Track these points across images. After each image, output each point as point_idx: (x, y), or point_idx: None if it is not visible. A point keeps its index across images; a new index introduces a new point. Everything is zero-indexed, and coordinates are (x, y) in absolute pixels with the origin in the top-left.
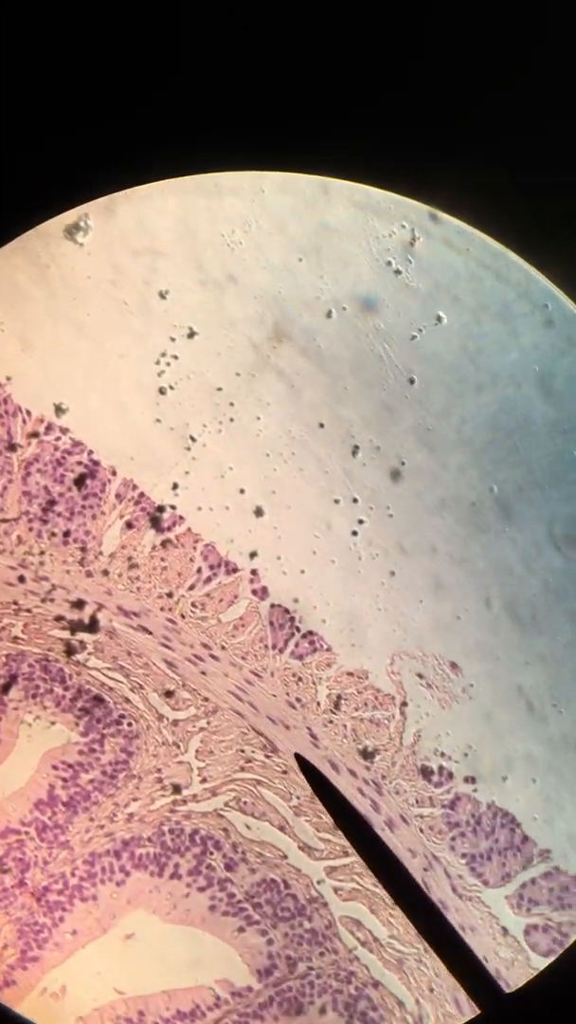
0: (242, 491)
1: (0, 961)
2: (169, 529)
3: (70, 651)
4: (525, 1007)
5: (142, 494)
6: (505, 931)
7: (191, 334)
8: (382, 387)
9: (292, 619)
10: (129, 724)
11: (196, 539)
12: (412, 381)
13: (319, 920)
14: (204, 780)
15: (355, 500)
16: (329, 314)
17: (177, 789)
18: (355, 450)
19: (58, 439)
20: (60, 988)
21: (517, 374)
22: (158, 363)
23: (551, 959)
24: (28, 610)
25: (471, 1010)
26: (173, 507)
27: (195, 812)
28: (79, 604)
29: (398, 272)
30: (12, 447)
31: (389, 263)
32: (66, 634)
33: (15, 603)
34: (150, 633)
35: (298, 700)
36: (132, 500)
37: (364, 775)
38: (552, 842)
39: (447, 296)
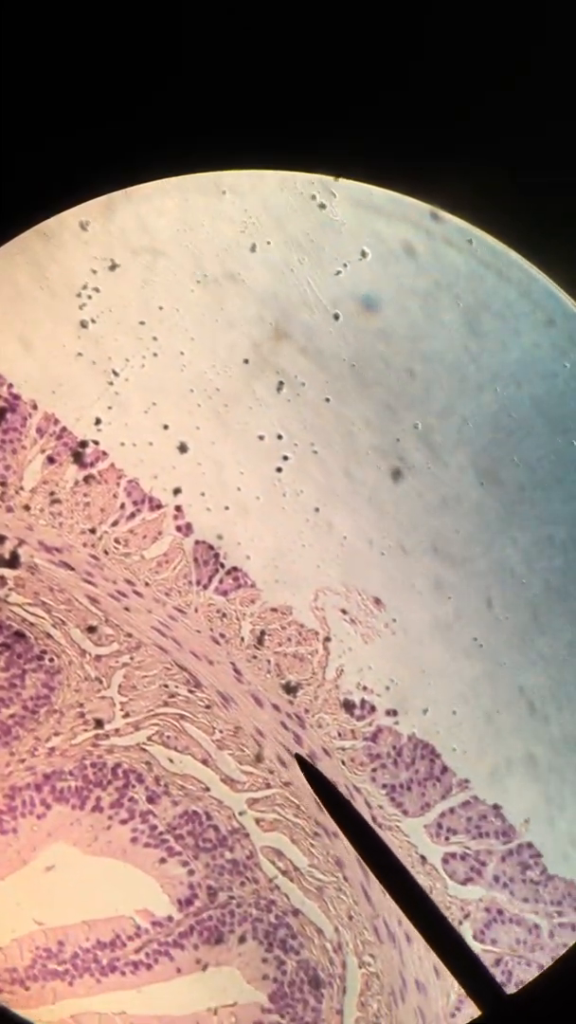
0: (166, 427)
1: None
2: (92, 464)
3: None
4: (525, 1007)
5: (64, 429)
6: (423, 859)
7: (112, 266)
8: (383, 386)
9: (216, 555)
10: (51, 660)
11: (119, 475)
12: (412, 380)
13: (240, 851)
14: (127, 715)
15: (279, 437)
16: (328, 313)
17: (100, 724)
18: (280, 386)
19: None
20: None
21: (518, 373)
22: (79, 296)
23: (469, 887)
24: None
25: (388, 936)
26: (96, 442)
27: (118, 746)
28: None
29: (323, 206)
30: None
31: (314, 196)
32: None
33: None
34: (72, 569)
35: (222, 636)
36: (54, 435)
37: (287, 709)
38: (489, 792)
39: (448, 295)
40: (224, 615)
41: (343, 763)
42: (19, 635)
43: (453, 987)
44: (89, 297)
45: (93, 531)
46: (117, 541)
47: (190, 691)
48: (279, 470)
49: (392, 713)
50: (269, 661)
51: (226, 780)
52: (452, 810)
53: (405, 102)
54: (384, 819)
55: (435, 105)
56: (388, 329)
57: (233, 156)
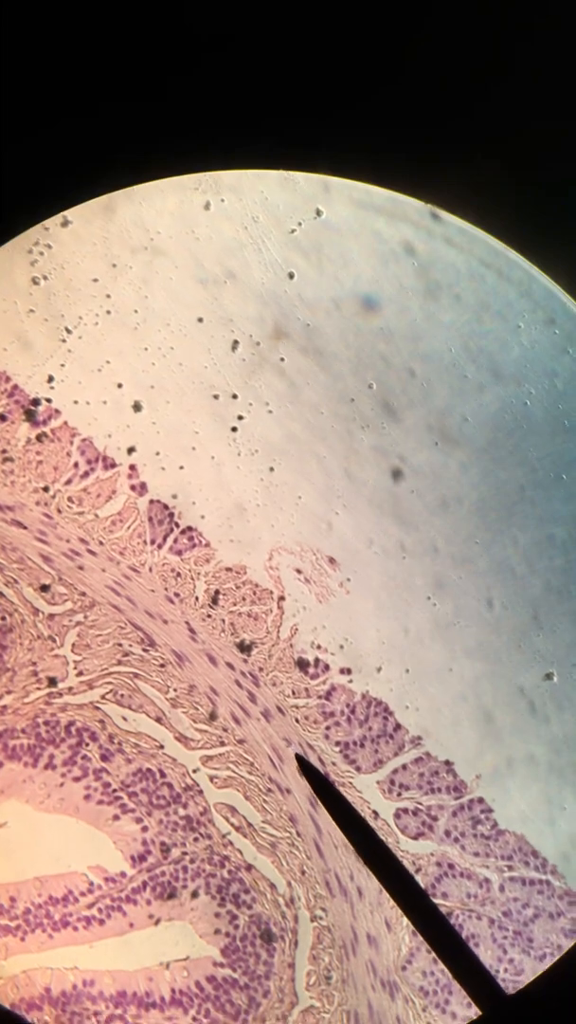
0: (120, 385)
1: None
2: (44, 423)
3: None
4: (526, 1008)
5: (15, 386)
6: (376, 814)
7: (64, 223)
8: (383, 386)
9: (171, 515)
10: (3, 618)
11: (72, 433)
12: (413, 380)
13: (194, 807)
14: (80, 673)
15: (234, 396)
16: (329, 313)
17: (52, 682)
18: (235, 345)
19: None
20: None
21: (518, 373)
22: (30, 252)
23: (420, 841)
24: None
25: (340, 891)
26: (48, 400)
27: (71, 704)
28: None
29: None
30: None
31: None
32: None
33: None
34: (25, 528)
35: (176, 595)
36: (5, 392)
37: (241, 667)
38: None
39: (448, 295)
40: (178, 574)
41: (297, 721)
42: None
43: (404, 940)
44: (41, 253)
45: (46, 489)
46: (70, 500)
47: (144, 650)
48: (234, 429)
49: (346, 672)
50: (223, 620)
51: (180, 738)
52: (404, 766)
53: (405, 101)
54: (338, 776)
55: (435, 104)
56: (388, 329)
57: (233, 156)
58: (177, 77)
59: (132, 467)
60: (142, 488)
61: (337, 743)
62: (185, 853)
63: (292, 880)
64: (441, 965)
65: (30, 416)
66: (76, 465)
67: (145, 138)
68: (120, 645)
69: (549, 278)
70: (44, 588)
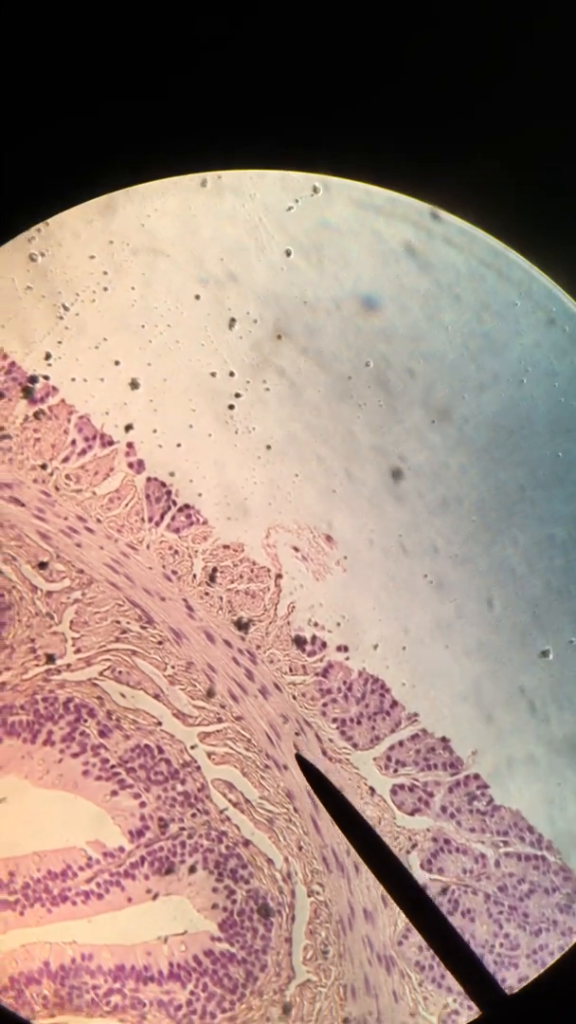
0: (117, 363)
1: None
2: (42, 400)
3: None
4: (525, 1008)
5: (13, 363)
6: (372, 791)
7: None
8: (383, 386)
9: (168, 492)
10: (1, 595)
11: (70, 411)
12: (413, 380)
13: (192, 783)
14: (78, 650)
15: (232, 374)
16: (329, 313)
17: (51, 659)
18: (231, 322)
19: None
20: None
21: (519, 373)
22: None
23: (416, 817)
24: None
25: (337, 866)
26: (46, 377)
27: (69, 681)
28: None
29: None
30: None
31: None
32: None
33: None
34: (23, 505)
35: (174, 573)
36: (2, 369)
37: (239, 645)
38: (439, 726)
39: (448, 295)
40: (176, 552)
41: (294, 698)
42: None
43: (400, 916)
44: (38, 231)
45: (44, 467)
46: (68, 477)
47: (142, 627)
48: (231, 407)
49: (343, 649)
50: (221, 598)
51: (178, 714)
52: (401, 743)
53: (405, 101)
54: (334, 752)
55: (435, 104)
56: (388, 329)
57: (233, 156)
58: (177, 77)
59: (130, 444)
60: (139, 466)
61: (334, 720)
62: (183, 828)
63: (289, 855)
64: None
65: (27, 393)
66: (74, 443)
67: (145, 138)
68: (118, 622)
69: (549, 278)
70: (42, 565)
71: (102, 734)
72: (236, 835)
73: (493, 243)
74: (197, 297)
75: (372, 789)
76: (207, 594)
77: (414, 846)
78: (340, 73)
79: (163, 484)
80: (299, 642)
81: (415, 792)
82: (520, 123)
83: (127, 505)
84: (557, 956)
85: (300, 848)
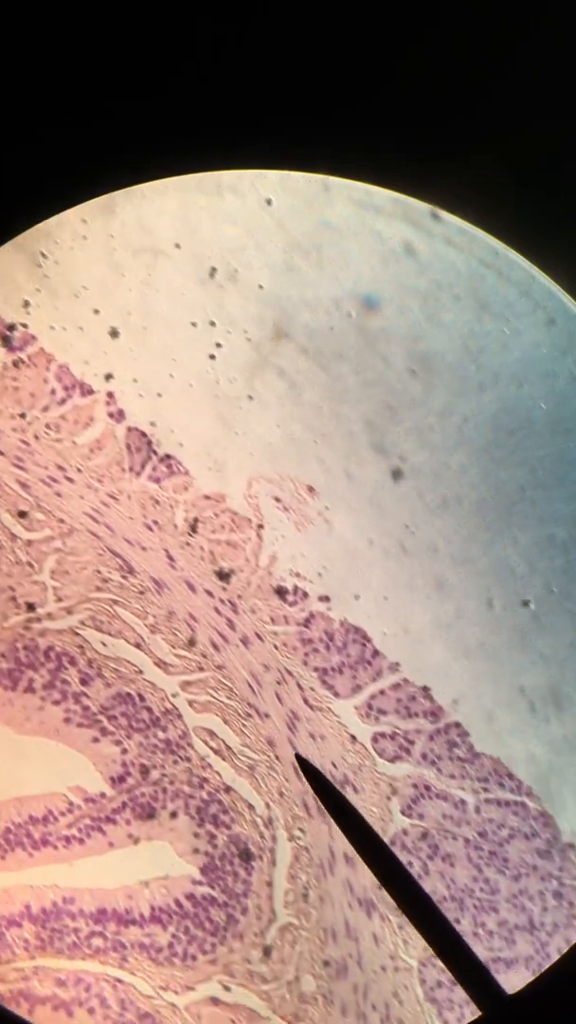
0: (96, 311)
1: None
2: (20, 348)
3: None
4: (526, 1008)
5: None
6: (353, 738)
7: None
8: (383, 386)
9: (149, 442)
10: None
11: (49, 359)
12: (413, 380)
13: (173, 731)
14: (59, 599)
15: (212, 324)
16: (329, 313)
17: (31, 607)
18: (212, 271)
19: None
20: None
21: (519, 373)
22: None
23: (397, 764)
24: None
25: (318, 812)
26: (25, 325)
27: (50, 630)
28: None
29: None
30: None
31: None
32: None
33: None
34: (2, 454)
35: (155, 523)
36: None
37: (220, 595)
38: (420, 675)
39: (448, 295)
40: (157, 502)
41: (276, 647)
42: None
43: None
44: None
45: (23, 416)
46: (48, 426)
47: (123, 577)
48: (212, 357)
49: (324, 599)
50: (203, 548)
51: (159, 663)
52: (382, 692)
53: (405, 102)
54: (315, 701)
55: (435, 104)
56: (388, 329)
57: (233, 156)
58: (177, 77)
59: (110, 394)
60: (120, 415)
61: (315, 669)
62: (164, 775)
63: (270, 801)
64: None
65: (6, 341)
66: (53, 391)
67: (145, 138)
68: (99, 572)
69: (549, 278)
70: (22, 514)
71: (83, 682)
72: (217, 782)
73: (493, 243)
74: (177, 246)
75: (353, 737)
76: (188, 544)
77: (394, 792)
78: (340, 73)
79: (144, 434)
80: (281, 592)
81: (396, 740)
82: (520, 123)
83: (107, 454)
84: (537, 901)
85: (281, 794)
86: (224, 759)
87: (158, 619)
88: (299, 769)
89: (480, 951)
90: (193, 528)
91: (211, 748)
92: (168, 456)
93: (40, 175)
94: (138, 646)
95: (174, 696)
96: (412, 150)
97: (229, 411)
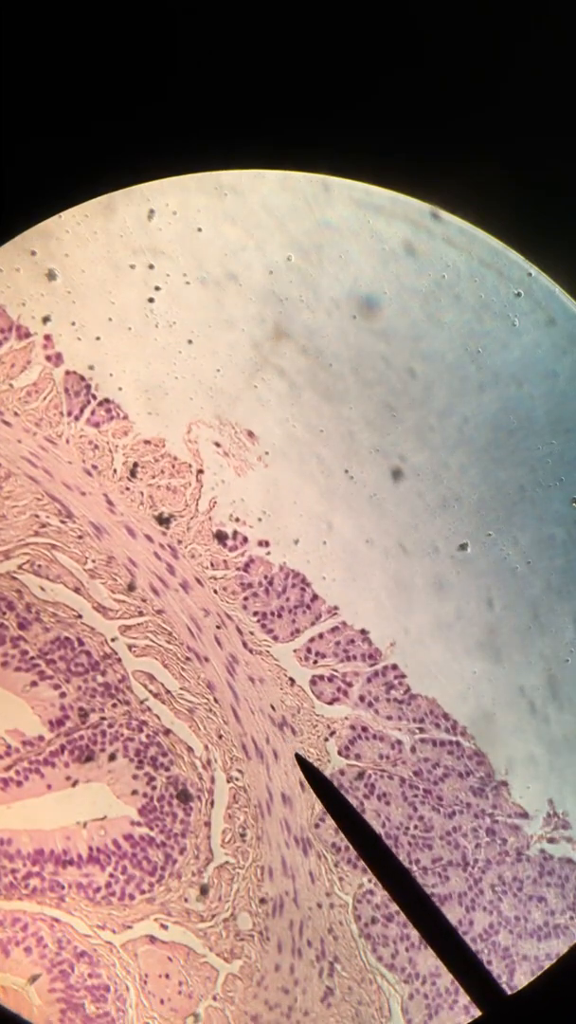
0: (33, 253)
1: None
2: None
3: None
4: (526, 1008)
5: None
6: (292, 681)
7: None
8: (383, 386)
9: (88, 386)
10: None
11: None
12: (413, 380)
13: (112, 675)
14: None
15: (151, 267)
16: (329, 313)
17: None
18: (150, 213)
19: None
20: None
21: (519, 373)
22: None
23: (335, 706)
24: None
25: (256, 753)
26: None
27: None
28: None
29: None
30: None
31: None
32: None
33: None
34: None
35: (94, 467)
36: None
37: (160, 540)
38: (358, 619)
39: (448, 295)
40: (96, 447)
41: (215, 592)
42: None
43: (317, 802)
44: None
45: None
46: None
47: (62, 521)
48: (151, 300)
49: (264, 544)
50: (142, 493)
51: (98, 608)
52: (321, 635)
53: (405, 102)
54: (255, 645)
55: (435, 104)
56: (388, 329)
57: (233, 156)
58: (177, 77)
59: (47, 337)
60: (57, 358)
61: (255, 613)
62: (103, 718)
63: (209, 743)
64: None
65: None
66: None
67: (145, 138)
68: (37, 516)
69: (549, 278)
70: None
71: (21, 626)
72: (156, 724)
73: (493, 243)
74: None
75: (292, 680)
76: (128, 489)
77: (332, 733)
78: (340, 73)
79: (82, 378)
80: (220, 537)
81: (334, 682)
82: (520, 123)
83: (45, 398)
84: (471, 838)
85: (220, 736)
86: (163, 702)
87: (97, 564)
88: (299, 768)
89: None
90: (132, 473)
91: (150, 692)
92: (107, 400)
93: (40, 175)
94: (77, 591)
95: (113, 640)
96: (412, 150)
97: (168, 355)
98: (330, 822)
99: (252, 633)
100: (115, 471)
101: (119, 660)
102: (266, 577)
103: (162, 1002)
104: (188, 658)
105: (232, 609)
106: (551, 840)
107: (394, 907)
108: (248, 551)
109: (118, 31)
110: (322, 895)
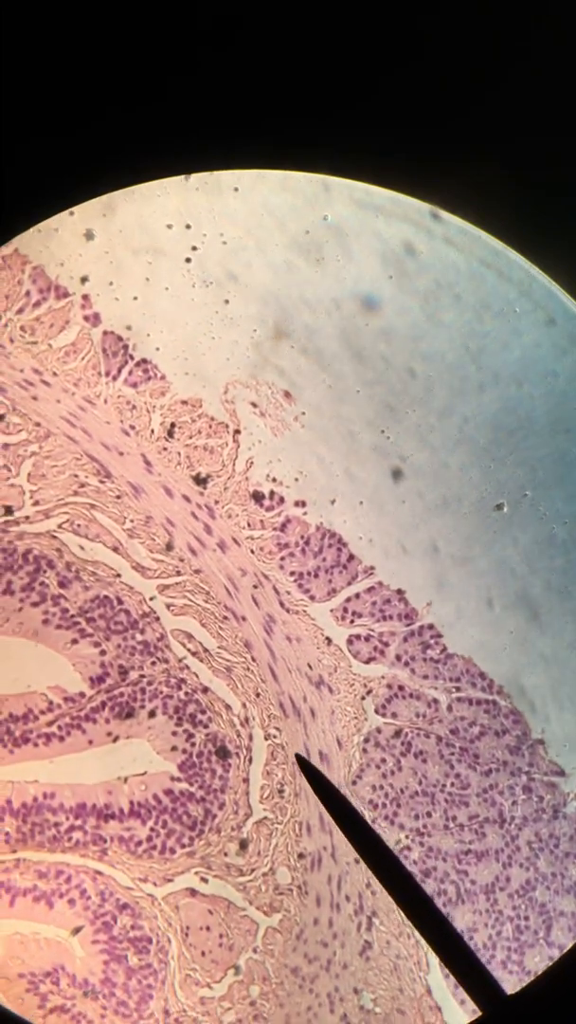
0: (71, 213)
1: None
2: None
3: None
4: (526, 1008)
5: None
6: (329, 641)
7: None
8: (383, 386)
9: (125, 346)
10: None
11: (24, 261)
12: (413, 380)
13: (151, 633)
14: (37, 503)
15: (188, 227)
16: (329, 313)
17: (9, 511)
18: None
19: None
20: None
21: (519, 373)
22: None
23: (372, 665)
24: None
25: (294, 711)
26: None
27: (28, 533)
28: None
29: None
30: None
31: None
32: None
33: None
34: None
35: (132, 427)
36: None
37: (197, 500)
38: (395, 578)
39: (448, 295)
40: (134, 407)
41: (252, 552)
42: None
43: (355, 757)
44: None
45: None
46: (23, 329)
47: (100, 481)
48: (188, 260)
49: (300, 504)
50: (179, 453)
51: (137, 567)
52: (358, 595)
53: (405, 102)
54: (291, 605)
55: (435, 104)
56: (388, 329)
57: (233, 156)
58: (177, 77)
59: (85, 297)
60: (95, 319)
61: (292, 573)
62: (143, 676)
63: (247, 701)
64: (391, 780)
65: None
66: (28, 294)
67: (145, 138)
68: (76, 476)
69: (549, 278)
70: None
71: (62, 585)
72: (195, 682)
73: (493, 243)
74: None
75: (329, 639)
76: (165, 449)
77: (369, 692)
78: (340, 73)
79: (120, 338)
80: (257, 497)
81: (371, 642)
82: (520, 123)
83: (83, 358)
84: (507, 795)
85: (258, 695)
86: (201, 661)
87: (136, 523)
88: (299, 768)
89: (452, 844)
90: (170, 433)
91: (188, 650)
92: (144, 360)
93: (40, 175)
94: (116, 550)
95: (152, 599)
96: (412, 150)
97: (205, 315)
98: (367, 778)
99: (289, 593)
100: (152, 431)
101: (157, 619)
102: (303, 537)
103: (203, 954)
104: (226, 617)
105: (269, 569)
106: None
107: (431, 864)
108: (285, 511)
109: (118, 32)
110: None
